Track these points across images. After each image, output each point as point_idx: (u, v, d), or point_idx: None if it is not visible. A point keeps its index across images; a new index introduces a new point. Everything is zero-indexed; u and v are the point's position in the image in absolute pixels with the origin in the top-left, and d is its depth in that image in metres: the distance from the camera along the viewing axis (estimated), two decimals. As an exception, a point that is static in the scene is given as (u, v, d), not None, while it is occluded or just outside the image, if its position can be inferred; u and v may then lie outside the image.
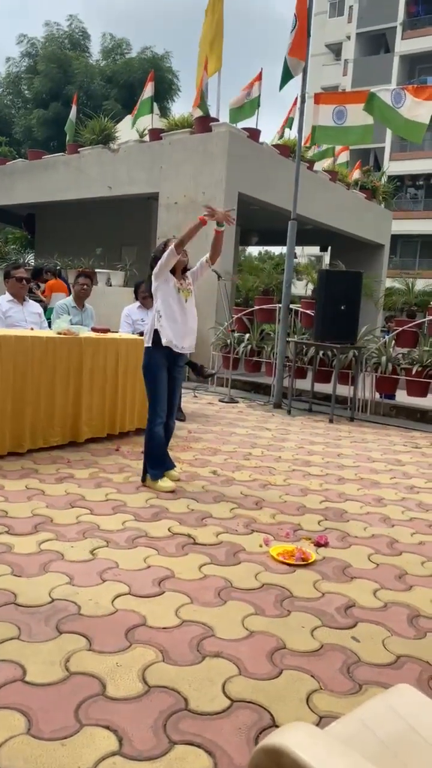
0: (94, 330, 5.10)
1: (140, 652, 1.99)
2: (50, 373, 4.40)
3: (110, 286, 10.68)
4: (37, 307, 5.38)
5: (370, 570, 2.81)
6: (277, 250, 27.75)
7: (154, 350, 3.76)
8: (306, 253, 27.12)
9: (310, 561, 2.82)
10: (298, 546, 2.95)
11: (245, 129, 9.71)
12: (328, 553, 2.97)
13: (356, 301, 6.85)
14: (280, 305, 7.73)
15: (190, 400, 7.36)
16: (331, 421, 6.77)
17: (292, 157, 9.77)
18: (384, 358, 7.26)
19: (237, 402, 7.63)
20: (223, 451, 4.94)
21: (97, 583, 2.45)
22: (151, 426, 3.82)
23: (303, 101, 7.36)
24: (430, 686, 1.95)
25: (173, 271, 3.75)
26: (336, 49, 34.50)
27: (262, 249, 30.23)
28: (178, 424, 5.59)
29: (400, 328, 7.43)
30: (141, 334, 5.67)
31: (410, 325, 7.38)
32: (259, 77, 9.78)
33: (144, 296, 5.93)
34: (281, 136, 11.21)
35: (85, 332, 4.88)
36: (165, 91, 23.00)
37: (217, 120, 9.45)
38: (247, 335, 8.60)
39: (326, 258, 20.48)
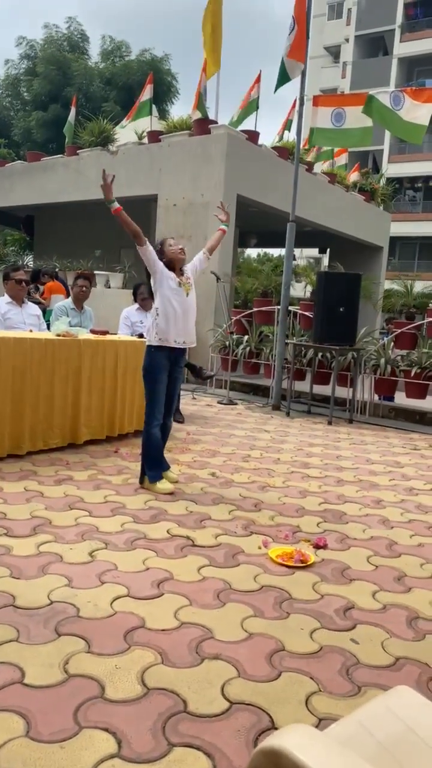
0: (93, 332, 5.10)
1: (139, 654, 1.99)
2: (49, 375, 4.40)
3: (109, 288, 10.69)
4: (36, 309, 5.38)
5: (369, 572, 2.81)
6: (275, 251, 27.75)
7: (156, 351, 3.76)
8: (305, 254, 27.16)
9: (309, 563, 2.82)
10: (297, 548, 2.95)
11: (244, 131, 9.73)
12: (327, 555, 2.97)
13: (355, 303, 6.86)
14: (278, 307, 7.74)
15: (188, 401, 7.37)
16: (329, 422, 6.78)
17: (290, 159, 9.79)
18: (383, 360, 7.27)
19: (236, 404, 7.64)
20: (222, 453, 4.94)
21: (95, 585, 2.45)
22: (148, 428, 3.82)
23: (302, 104, 7.38)
24: (429, 688, 1.94)
25: (172, 268, 3.77)
26: (334, 52, 34.59)
27: (261, 251, 30.24)
28: (176, 426, 5.60)
29: (399, 330, 7.44)
30: (140, 335, 5.68)
31: (409, 327, 7.39)
32: (258, 79, 9.80)
33: (143, 298, 5.93)
34: (281, 138, 11.24)
35: (84, 334, 4.88)
36: (164, 94, 23.02)
37: (216, 122, 9.47)
38: (246, 337, 8.60)
39: (325, 260, 20.49)
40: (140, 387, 5.10)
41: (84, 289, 5.77)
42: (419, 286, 8.64)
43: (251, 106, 9.88)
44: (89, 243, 12.74)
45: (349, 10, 32.72)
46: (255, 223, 12.85)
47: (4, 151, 14.65)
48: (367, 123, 7.04)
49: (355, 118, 7.03)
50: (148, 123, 10.73)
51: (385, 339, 7.76)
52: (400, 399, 7.44)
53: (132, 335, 5.81)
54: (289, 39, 6.89)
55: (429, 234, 30.11)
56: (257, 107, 9.85)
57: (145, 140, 10.46)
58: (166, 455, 4.09)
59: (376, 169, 27.16)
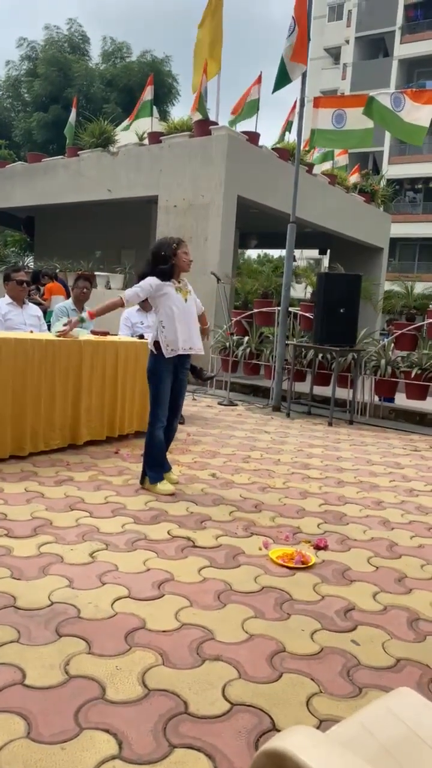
0: (93, 333, 5.10)
1: (140, 656, 1.99)
2: (50, 375, 4.40)
3: (109, 289, 10.69)
4: (36, 310, 5.38)
5: (370, 573, 2.81)
6: (276, 253, 27.80)
7: (160, 355, 3.75)
8: (305, 256, 27.19)
9: (309, 564, 2.82)
10: (297, 549, 2.95)
11: (244, 132, 9.75)
12: (327, 556, 2.97)
13: (355, 304, 6.86)
14: (279, 308, 7.74)
15: (189, 402, 7.37)
16: (330, 424, 6.78)
17: (291, 161, 9.80)
18: (383, 361, 7.27)
19: (236, 405, 7.64)
20: (222, 454, 4.94)
21: (96, 586, 2.45)
22: (152, 429, 3.82)
23: (302, 105, 7.38)
24: (430, 689, 1.94)
25: (172, 275, 3.76)
26: (335, 53, 34.63)
27: (261, 252, 30.30)
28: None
29: (399, 331, 7.44)
30: (140, 336, 5.68)
31: (409, 328, 7.39)
32: (259, 80, 9.81)
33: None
34: (281, 139, 11.25)
35: (85, 335, 4.88)
36: (164, 95, 23.04)
37: (217, 123, 9.48)
38: (246, 338, 8.60)
39: (325, 261, 20.52)
40: (141, 388, 5.11)
41: (85, 290, 5.77)
42: (419, 288, 8.65)
43: (251, 107, 9.88)
44: (89, 244, 12.75)
45: (350, 11, 32.75)
46: (255, 224, 12.86)
47: (5, 152, 14.67)
48: (367, 124, 7.05)
49: (356, 119, 7.04)
50: (148, 124, 10.74)
51: (386, 340, 7.76)
52: (401, 400, 7.45)
53: (132, 336, 5.81)
54: (288, 40, 6.89)
55: (429, 235, 30.12)
56: (258, 108, 9.86)
57: (146, 141, 10.48)
58: (167, 456, 4.09)
59: (377, 170, 27.18)
